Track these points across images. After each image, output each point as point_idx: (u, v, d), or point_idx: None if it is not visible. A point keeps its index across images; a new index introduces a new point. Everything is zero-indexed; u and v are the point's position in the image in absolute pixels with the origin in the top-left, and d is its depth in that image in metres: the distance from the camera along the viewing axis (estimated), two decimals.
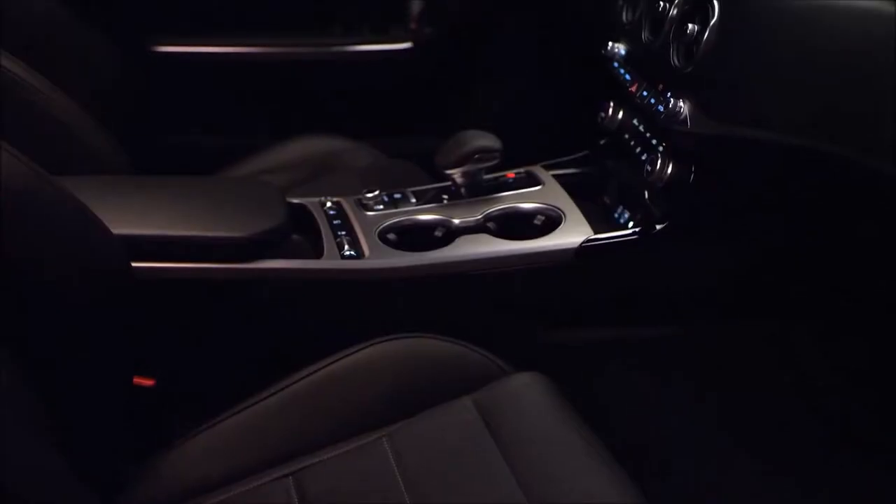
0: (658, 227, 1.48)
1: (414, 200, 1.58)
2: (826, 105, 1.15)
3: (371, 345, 1.33)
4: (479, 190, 1.58)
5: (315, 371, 1.31)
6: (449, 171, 1.56)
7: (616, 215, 1.60)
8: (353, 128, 2.22)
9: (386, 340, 1.34)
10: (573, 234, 1.50)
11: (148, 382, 1.39)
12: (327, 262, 1.44)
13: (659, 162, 1.46)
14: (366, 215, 1.54)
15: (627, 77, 1.56)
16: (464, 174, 1.56)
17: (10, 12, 1.73)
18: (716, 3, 1.32)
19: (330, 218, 1.53)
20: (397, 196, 1.59)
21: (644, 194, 1.53)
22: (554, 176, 1.65)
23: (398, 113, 2.45)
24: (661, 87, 1.44)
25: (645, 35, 1.49)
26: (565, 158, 1.71)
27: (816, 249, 1.48)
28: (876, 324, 1.49)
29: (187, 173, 1.75)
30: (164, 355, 1.42)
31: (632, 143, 1.61)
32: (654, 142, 1.54)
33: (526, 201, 1.57)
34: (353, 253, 1.45)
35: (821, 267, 1.51)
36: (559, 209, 1.55)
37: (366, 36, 2.49)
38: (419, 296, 1.47)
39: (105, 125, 1.72)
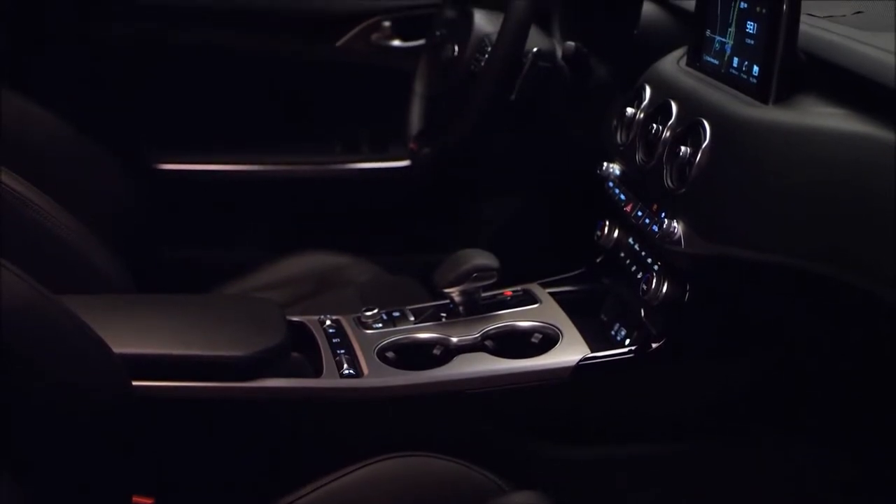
0: (654, 345, 1.49)
1: (412, 318, 1.60)
2: (819, 227, 1.17)
3: (370, 463, 1.33)
4: (476, 308, 1.59)
5: (314, 490, 1.31)
6: (447, 290, 1.57)
7: (613, 333, 1.61)
8: (353, 244, 2.24)
9: (385, 459, 1.34)
10: (570, 352, 1.51)
11: (147, 501, 1.38)
12: (326, 381, 1.45)
13: (654, 281, 1.48)
14: (365, 333, 1.55)
15: (622, 197, 1.58)
16: (462, 292, 1.57)
17: (14, 130, 1.76)
18: (707, 127, 1.35)
19: (329, 336, 1.54)
20: (396, 314, 1.60)
21: (640, 312, 1.55)
22: (551, 294, 1.66)
23: (397, 229, 2.48)
24: (655, 207, 1.47)
25: (639, 156, 1.52)
26: (562, 276, 1.73)
27: (815, 368, 1.48)
28: (877, 443, 1.49)
29: (188, 289, 1.76)
30: (163, 474, 1.41)
31: (627, 261, 1.63)
32: (649, 261, 1.56)
33: (523, 319, 1.58)
34: (352, 371, 1.46)
35: (819, 386, 1.51)
36: (556, 327, 1.56)
37: (365, 154, 2.54)
38: (418, 414, 1.47)
39: (107, 242, 1.73)
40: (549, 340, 1.54)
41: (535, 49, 1.91)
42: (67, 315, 1.17)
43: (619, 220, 1.65)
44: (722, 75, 1.42)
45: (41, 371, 1.10)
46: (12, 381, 1.05)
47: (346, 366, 1.47)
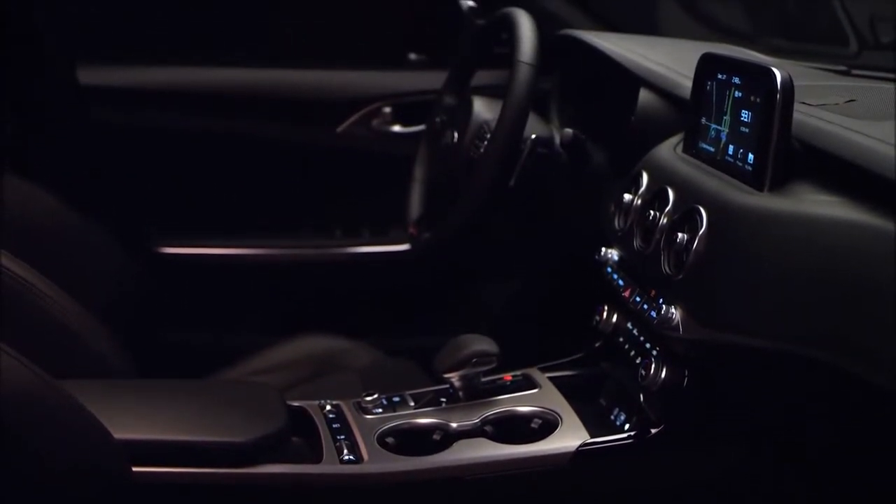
0: (654, 430, 1.49)
1: (412, 403, 1.60)
2: (816, 314, 1.17)
3: None
4: (476, 393, 1.59)
5: None
6: (447, 375, 1.58)
7: (612, 417, 1.61)
8: (352, 327, 2.25)
9: None
10: (570, 437, 1.51)
11: None
12: (326, 467, 1.44)
13: (653, 366, 1.48)
14: (365, 419, 1.55)
15: (621, 282, 1.59)
16: (462, 377, 1.57)
17: (16, 213, 1.77)
18: (703, 214, 1.36)
19: (329, 421, 1.54)
20: (396, 399, 1.61)
21: (640, 397, 1.55)
22: (550, 378, 1.66)
23: (396, 313, 2.49)
24: (653, 293, 1.48)
25: (637, 242, 1.53)
26: (561, 361, 1.73)
27: (814, 455, 1.48)
28: None
29: (188, 372, 1.77)
30: None
31: (626, 346, 1.63)
32: (647, 346, 1.56)
33: (523, 404, 1.58)
34: (351, 457, 1.45)
35: (819, 472, 1.51)
36: (556, 412, 1.56)
37: (365, 238, 2.56)
38: (418, 500, 1.47)
39: (108, 326, 1.74)
40: (548, 425, 1.54)
41: (533, 136, 1.93)
42: (67, 400, 1.17)
43: (618, 305, 1.65)
44: (718, 162, 1.44)
45: (41, 456, 1.10)
46: (12, 467, 1.05)
47: (346, 451, 1.47)
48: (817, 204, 1.23)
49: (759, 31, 2.70)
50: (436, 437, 1.52)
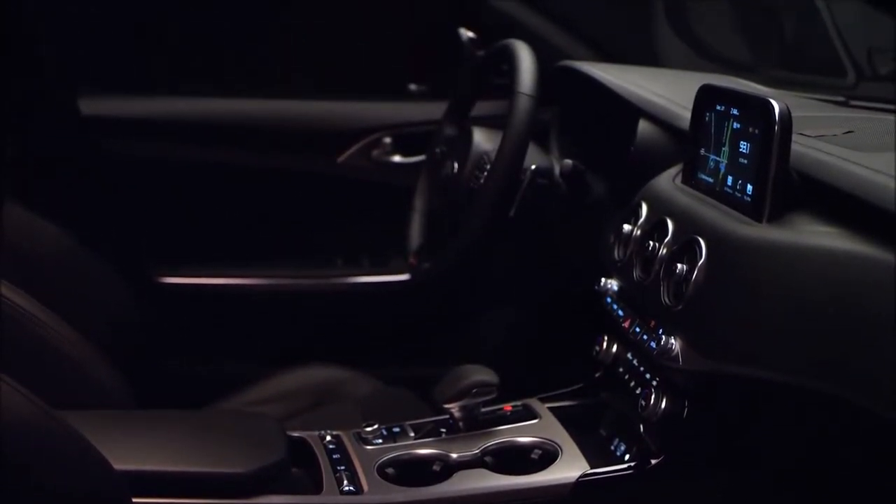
0: (654, 461, 1.49)
1: (412, 434, 1.60)
2: (815, 344, 1.18)
3: None
4: (476, 423, 1.59)
5: None
6: (447, 405, 1.58)
7: (612, 448, 1.61)
8: (352, 357, 2.25)
9: None
10: (570, 468, 1.50)
11: None
12: (326, 498, 1.44)
13: (653, 396, 1.48)
14: (365, 449, 1.55)
15: (620, 313, 1.59)
16: (462, 408, 1.57)
17: (16, 243, 1.77)
18: (703, 244, 1.36)
19: (329, 452, 1.54)
20: (396, 430, 1.60)
21: (640, 427, 1.55)
22: (550, 409, 1.66)
23: (396, 343, 2.49)
24: (653, 323, 1.48)
25: (636, 273, 1.53)
26: (561, 391, 1.73)
27: (814, 485, 1.48)
28: None
29: (187, 402, 1.76)
30: None
31: (626, 376, 1.63)
32: (647, 376, 1.56)
33: (523, 435, 1.58)
34: (351, 488, 1.45)
35: (820, 499, 1.51)
36: (556, 443, 1.56)
37: (365, 268, 2.56)
38: None
39: (107, 355, 1.74)
40: (548, 456, 1.54)
41: (533, 166, 1.94)
42: (67, 431, 1.17)
43: (618, 335, 1.66)
44: (717, 193, 1.44)
45: (41, 488, 1.10)
46: (11, 498, 1.05)
47: (346, 482, 1.46)
48: (816, 235, 1.24)
49: (758, 62, 2.71)
50: (436, 467, 1.52)
